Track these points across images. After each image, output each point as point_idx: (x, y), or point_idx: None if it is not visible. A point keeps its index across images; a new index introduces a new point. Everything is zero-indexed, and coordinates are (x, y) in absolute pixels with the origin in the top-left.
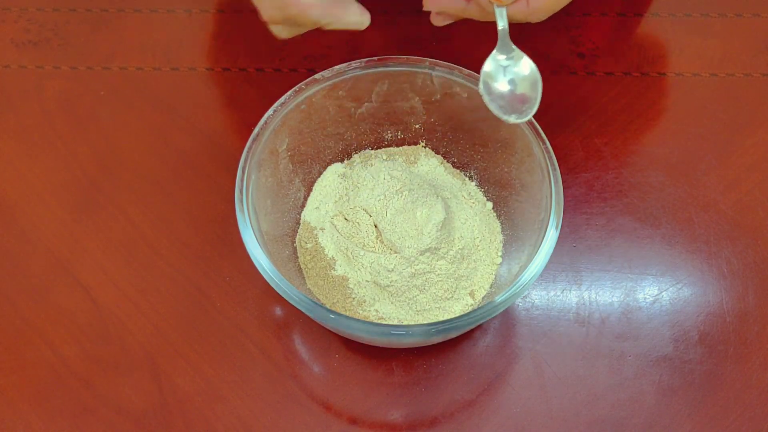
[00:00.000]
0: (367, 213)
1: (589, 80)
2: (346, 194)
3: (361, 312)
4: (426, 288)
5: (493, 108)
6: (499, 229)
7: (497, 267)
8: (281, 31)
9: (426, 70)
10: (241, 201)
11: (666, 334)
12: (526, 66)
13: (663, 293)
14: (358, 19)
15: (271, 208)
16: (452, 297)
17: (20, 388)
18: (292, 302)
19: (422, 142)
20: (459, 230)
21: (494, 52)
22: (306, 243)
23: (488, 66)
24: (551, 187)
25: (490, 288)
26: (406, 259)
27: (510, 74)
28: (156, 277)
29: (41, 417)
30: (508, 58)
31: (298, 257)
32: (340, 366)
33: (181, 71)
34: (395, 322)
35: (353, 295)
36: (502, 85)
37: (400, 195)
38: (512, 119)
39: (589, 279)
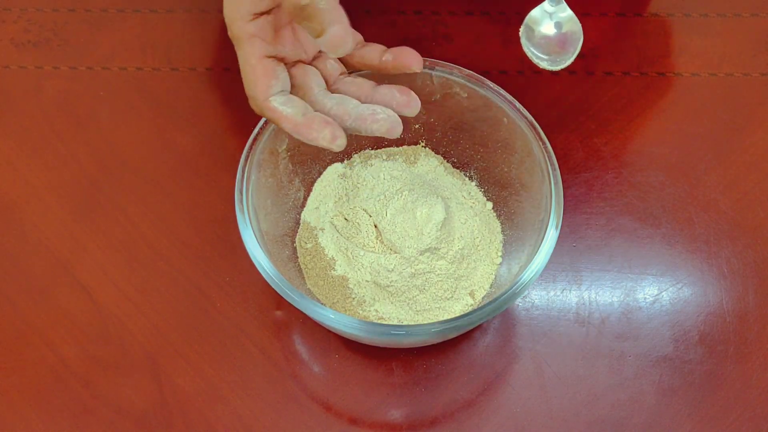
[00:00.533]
0: (367, 213)
1: (589, 80)
2: (346, 194)
3: (361, 312)
4: (426, 288)
5: (530, 53)
6: (499, 229)
7: (497, 267)
8: None
9: (426, 70)
10: (241, 201)
11: (666, 334)
12: (570, 13)
13: (663, 293)
14: (327, 144)
15: (271, 208)
16: (452, 297)
17: (20, 388)
18: (292, 302)
19: (422, 142)
20: (459, 230)
21: (544, 3)
22: (306, 243)
23: (535, 12)
24: (551, 187)
25: (490, 288)
26: (406, 259)
27: (556, 18)
28: (156, 277)
29: (41, 417)
30: (554, 6)
31: (298, 257)
32: (340, 366)
33: (181, 71)
34: (395, 322)
35: (353, 295)
36: (547, 28)
37: (400, 195)
38: (544, 65)
39: (589, 279)
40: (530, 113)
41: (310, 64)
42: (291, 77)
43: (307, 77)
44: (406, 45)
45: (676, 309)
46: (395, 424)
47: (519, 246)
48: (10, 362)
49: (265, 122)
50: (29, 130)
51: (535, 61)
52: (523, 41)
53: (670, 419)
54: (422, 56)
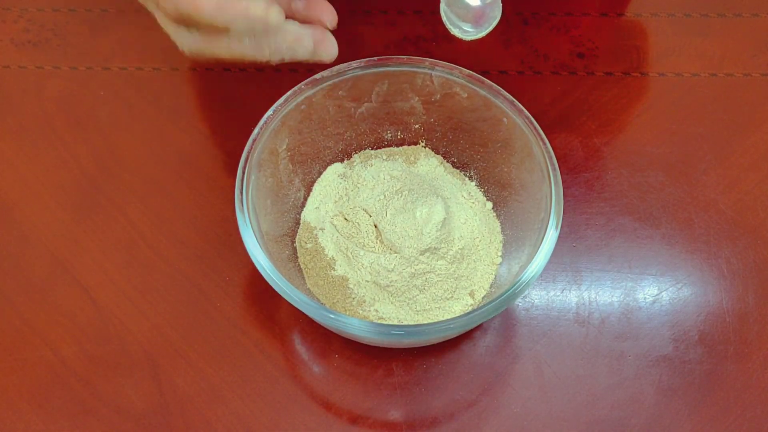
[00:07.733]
0: (367, 213)
1: (589, 80)
2: (346, 194)
3: (361, 312)
4: (426, 288)
5: (445, 16)
6: (499, 229)
7: (497, 267)
8: (184, 38)
9: (426, 70)
10: (241, 201)
11: (666, 334)
12: None
13: (663, 293)
14: (261, 14)
15: (271, 208)
16: (452, 297)
17: (20, 388)
18: (292, 302)
19: (422, 142)
20: (459, 230)
21: None
22: (306, 243)
23: None
24: (551, 187)
25: (490, 288)
26: (406, 259)
27: None
28: (156, 277)
29: (41, 417)
30: None
31: (298, 257)
32: (340, 366)
33: (181, 71)
34: (395, 322)
35: (353, 295)
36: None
37: (400, 195)
38: (455, 32)
39: (589, 279)
40: (530, 113)
41: None
42: None
43: None
44: (406, 45)
45: (676, 309)
46: (395, 424)
47: (519, 246)
48: (9, 362)
49: (266, 122)
50: (29, 129)
51: (448, 25)
52: (443, 3)
53: (670, 419)
54: (422, 56)
